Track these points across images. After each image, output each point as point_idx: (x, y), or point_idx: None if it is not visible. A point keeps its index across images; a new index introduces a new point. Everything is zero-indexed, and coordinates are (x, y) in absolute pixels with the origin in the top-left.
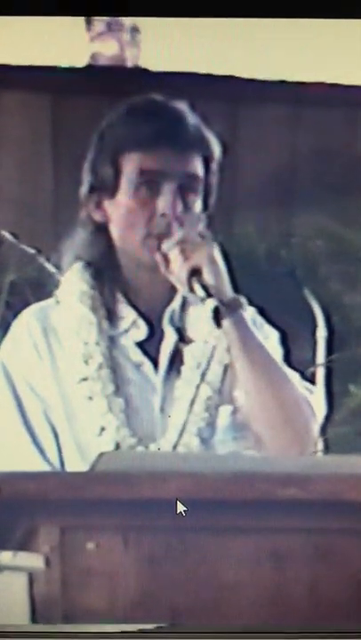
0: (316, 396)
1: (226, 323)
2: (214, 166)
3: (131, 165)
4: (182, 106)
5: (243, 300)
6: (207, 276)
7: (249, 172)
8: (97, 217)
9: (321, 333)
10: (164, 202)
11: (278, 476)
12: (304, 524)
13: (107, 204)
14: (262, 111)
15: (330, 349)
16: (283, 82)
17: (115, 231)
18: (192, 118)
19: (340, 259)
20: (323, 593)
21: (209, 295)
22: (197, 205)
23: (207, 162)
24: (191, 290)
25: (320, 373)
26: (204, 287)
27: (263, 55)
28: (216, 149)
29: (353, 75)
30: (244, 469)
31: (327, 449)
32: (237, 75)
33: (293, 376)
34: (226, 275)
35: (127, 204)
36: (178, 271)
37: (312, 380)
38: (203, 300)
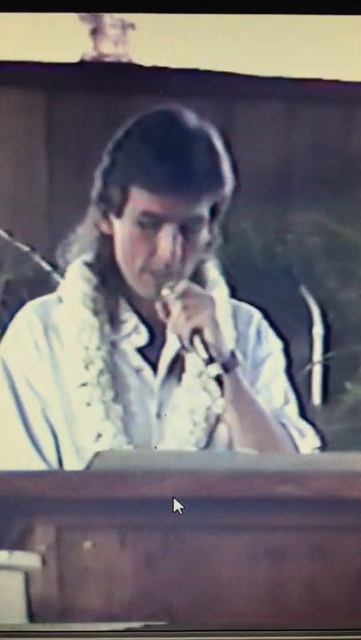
0: (307, 439)
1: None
2: (227, 192)
3: (137, 201)
4: (204, 128)
5: (238, 357)
6: (208, 336)
7: (245, 169)
8: (103, 228)
9: (317, 331)
10: (163, 244)
11: (275, 473)
12: (301, 522)
13: (113, 219)
14: (258, 108)
15: (326, 347)
16: (279, 78)
17: (118, 248)
18: (213, 149)
19: (337, 255)
20: (320, 590)
21: (210, 357)
22: (201, 238)
23: (220, 193)
24: (192, 347)
25: (317, 371)
26: (205, 345)
27: (260, 51)
28: (229, 178)
29: (350, 71)
30: (241, 467)
31: (324, 446)
32: (234, 71)
33: (287, 417)
34: (225, 333)
35: (130, 233)
36: (180, 328)
37: (309, 379)
38: (206, 362)
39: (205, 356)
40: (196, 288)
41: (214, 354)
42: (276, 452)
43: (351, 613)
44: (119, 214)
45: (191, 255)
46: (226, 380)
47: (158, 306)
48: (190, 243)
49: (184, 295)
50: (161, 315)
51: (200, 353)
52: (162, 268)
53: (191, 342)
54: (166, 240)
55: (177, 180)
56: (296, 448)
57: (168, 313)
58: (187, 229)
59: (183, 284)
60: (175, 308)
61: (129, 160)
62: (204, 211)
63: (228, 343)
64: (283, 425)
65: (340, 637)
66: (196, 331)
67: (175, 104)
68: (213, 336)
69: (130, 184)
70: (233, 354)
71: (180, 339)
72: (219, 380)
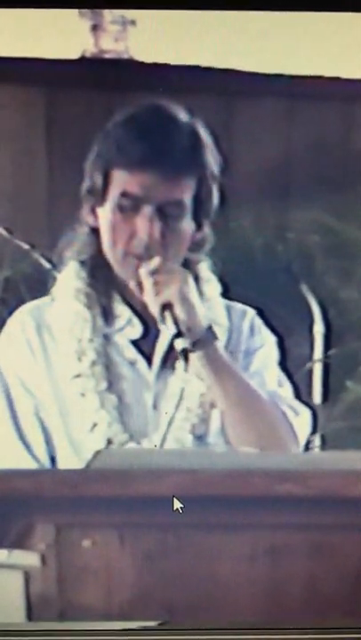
0: (302, 417)
1: (199, 355)
2: (212, 185)
3: (117, 182)
4: (188, 120)
5: (215, 330)
6: (179, 311)
7: (244, 167)
8: (89, 220)
9: (318, 329)
10: (141, 226)
11: (275, 472)
12: (301, 520)
13: (98, 209)
14: (258, 105)
15: (327, 345)
16: (280, 75)
17: (103, 237)
18: (195, 137)
19: (337, 253)
20: (319, 588)
21: (179, 332)
22: (183, 227)
23: (202, 182)
24: (163, 322)
25: (317, 369)
26: (176, 322)
27: (260, 48)
28: (214, 171)
29: (351, 68)
30: (241, 466)
31: (324, 445)
32: (234, 68)
33: (280, 397)
34: (199, 307)
35: (112, 218)
36: (150, 304)
37: (309, 378)
38: (173, 337)
39: (174, 330)
40: (169, 264)
41: (185, 329)
42: (269, 425)
43: (350, 612)
44: (102, 202)
45: (173, 242)
46: (204, 355)
47: (133, 285)
48: (170, 228)
49: (155, 271)
50: (137, 293)
51: (169, 327)
52: (142, 251)
53: (163, 320)
54: (143, 222)
55: (154, 157)
56: (290, 426)
57: (142, 291)
58: (165, 214)
59: (156, 261)
60: (147, 283)
61: (111, 145)
62: (183, 196)
63: (205, 319)
64: (276, 405)
65: (339, 636)
66: (167, 306)
67: (169, 101)
68: (184, 311)
69: (111, 167)
70: (210, 328)
71: (153, 312)
72: (185, 354)
